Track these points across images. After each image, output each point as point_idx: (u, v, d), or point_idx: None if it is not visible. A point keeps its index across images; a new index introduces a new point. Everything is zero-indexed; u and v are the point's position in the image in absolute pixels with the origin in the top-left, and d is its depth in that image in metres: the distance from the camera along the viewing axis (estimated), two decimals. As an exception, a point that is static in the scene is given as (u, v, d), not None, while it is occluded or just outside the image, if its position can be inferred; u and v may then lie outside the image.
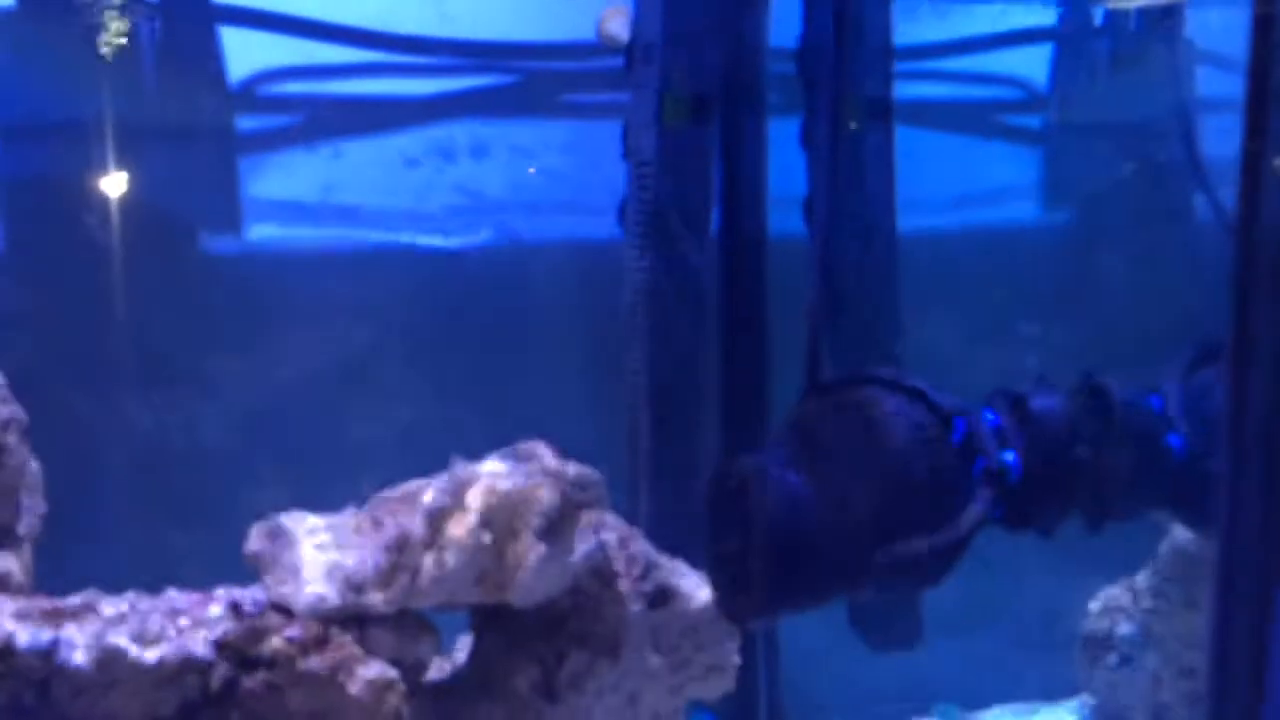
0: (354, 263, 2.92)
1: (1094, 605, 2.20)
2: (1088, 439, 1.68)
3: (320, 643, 1.63)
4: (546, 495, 1.69)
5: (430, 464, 2.88)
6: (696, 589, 1.85)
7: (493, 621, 1.80)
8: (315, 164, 2.91)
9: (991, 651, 2.54)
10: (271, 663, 1.62)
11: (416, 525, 1.67)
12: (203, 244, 2.91)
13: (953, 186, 3.03)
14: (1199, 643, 2.08)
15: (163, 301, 2.81)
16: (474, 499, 1.68)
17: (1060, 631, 2.35)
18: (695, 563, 2.07)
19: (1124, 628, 2.12)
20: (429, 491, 1.69)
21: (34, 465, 1.89)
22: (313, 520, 1.73)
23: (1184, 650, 2.05)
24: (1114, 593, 2.18)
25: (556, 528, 1.70)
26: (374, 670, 1.62)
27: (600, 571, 1.79)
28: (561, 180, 3.01)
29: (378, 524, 1.71)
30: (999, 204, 3.08)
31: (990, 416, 1.68)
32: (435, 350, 2.94)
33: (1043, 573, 2.36)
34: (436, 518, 1.67)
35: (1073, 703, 2.38)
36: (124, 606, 1.65)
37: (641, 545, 1.86)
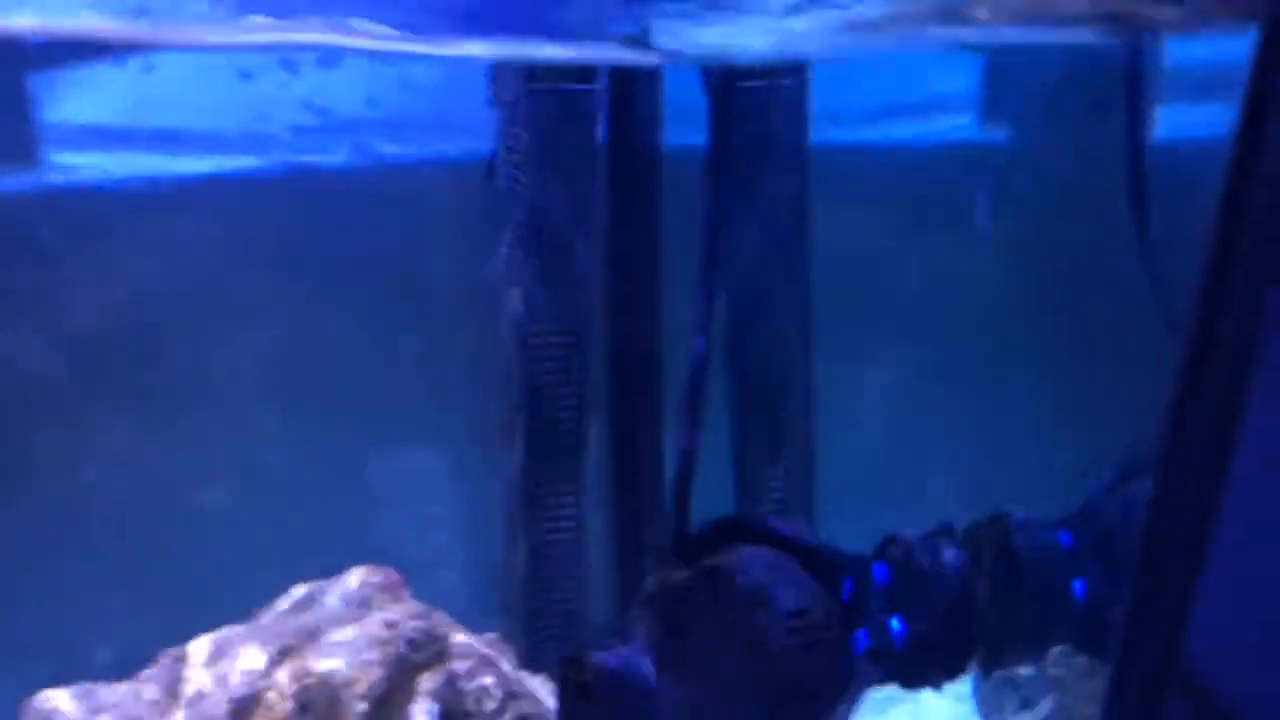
0: (176, 194, 2.53)
1: (995, 644, 2.06)
2: (985, 596, 1.48)
3: None
4: (375, 675, 1.47)
5: (290, 403, 2.63)
6: (558, 715, 1.67)
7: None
8: (122, 80, 2.47)
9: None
10: None
11: (221, 713, 1.45)
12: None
13: (879, 96, 2.67)
14: (1100, 698, 1.98)
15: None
16: (288, 681, 1.46)
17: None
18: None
19: (1027, 670, 2.01)
20: (236, 669, 1.47)
21: None
22: (104, 694, 1.51)
23: (1084, 703, 1.95)
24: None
25: (387, 706, 1.50)
26: None
27: (446, 716, 1.60)
28: (428, 94, 2.60)
29: (175, 699, 1.49)
30: (932, 117, 2.73)
31: (881, 572, 1.47)
32: (281, 295, 2.61)
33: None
34: (244, 706, 1.45)
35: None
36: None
37: (498, 672, 1.66)
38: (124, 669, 2.33)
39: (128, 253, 2.47)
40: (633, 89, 2.10)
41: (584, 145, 2.10)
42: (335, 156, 2.55)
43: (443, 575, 2.66)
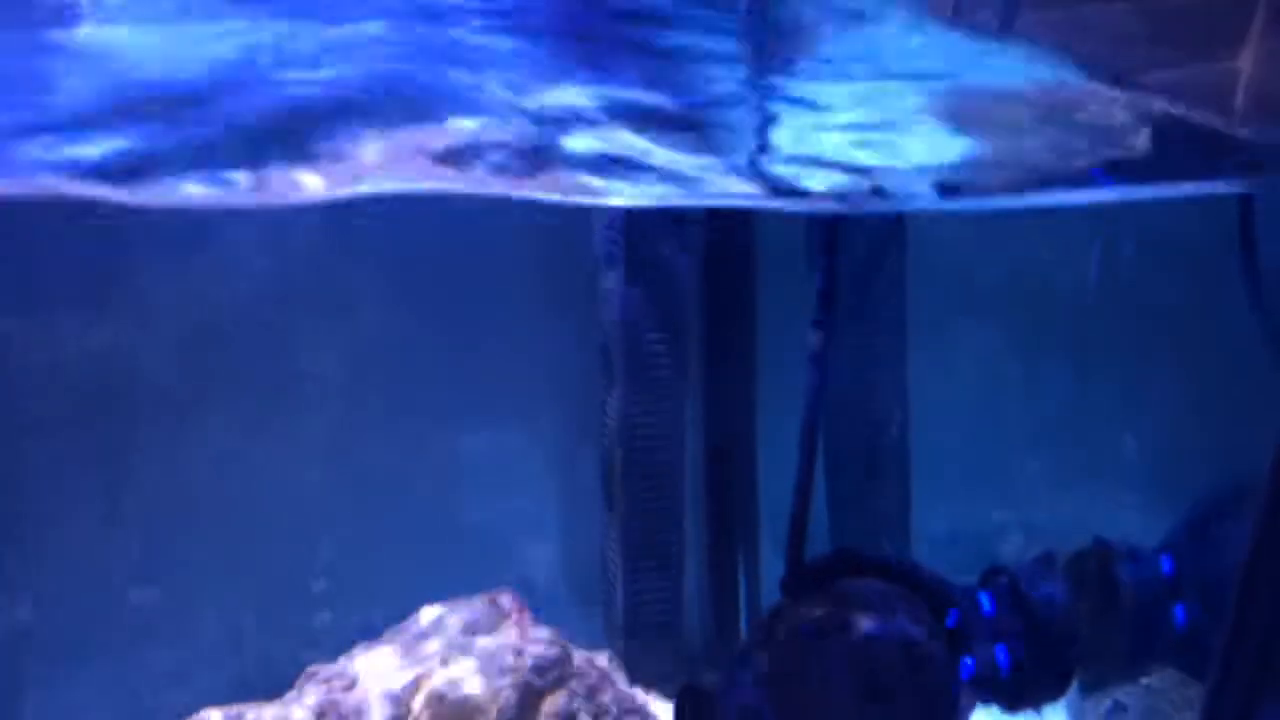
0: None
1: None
2: (1087, 623, 1.54)
3: None
4: (504, 700, 1.57)
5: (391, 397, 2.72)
6: (671, 730, 1.76)
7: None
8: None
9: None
10: None
11: (364, 737, 1.56)
12: None
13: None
14: (1190, 705, 2.03)
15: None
16: (422, 706, 1.56)
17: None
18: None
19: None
20: (376, 695, 1.57)
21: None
22: (254, 715, 1.62)
23: (1174, 710, 2.00)
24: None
25: (515, 728, 1.59)
26: None
27: (567, 735, 1.70)
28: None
29: (320, 717, 1.60)
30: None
31: (986, 602, 1.53)
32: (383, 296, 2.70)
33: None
34: (385, 730, 1.56)
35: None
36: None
37: (613, 692, 1.75)
38: (239, 666, 2.44)
39: (226, 255, 2.57)
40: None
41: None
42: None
43: (541, 566, 2.77)
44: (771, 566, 2.11)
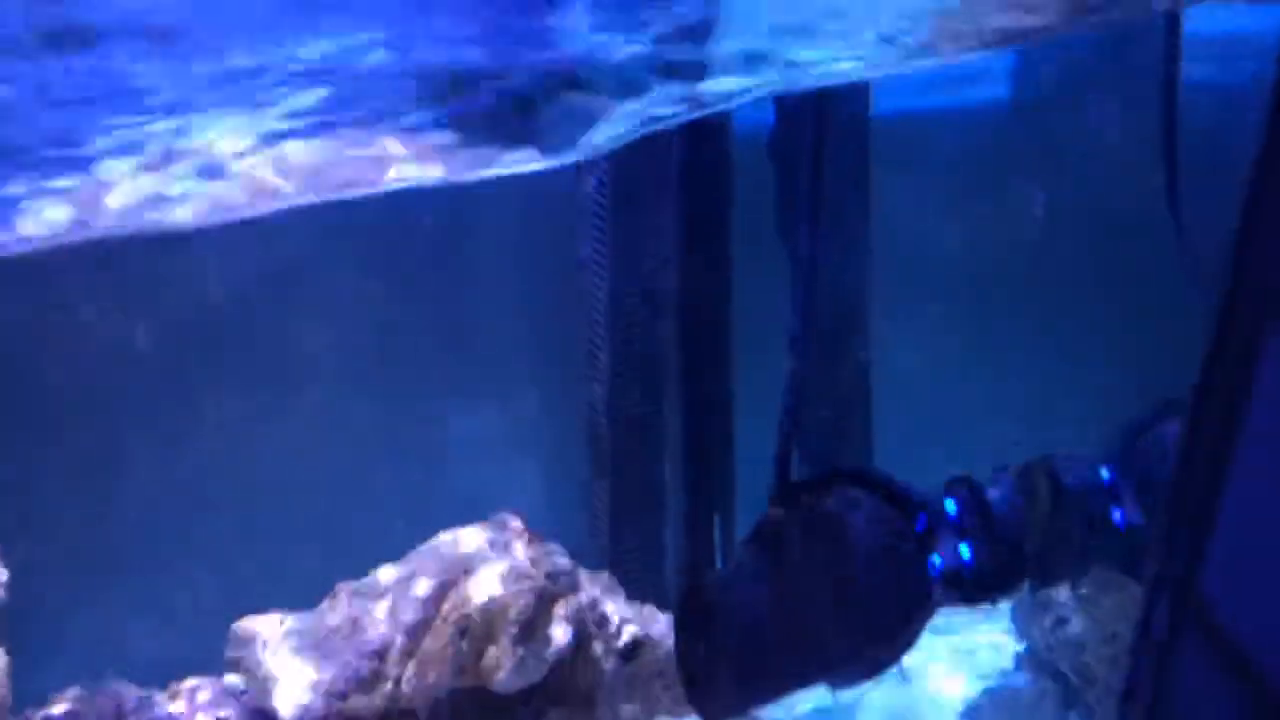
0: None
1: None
2: (1038, 525, 1.75)
3: (312, 754, 1.71)
4: (523, 602, 1.74)
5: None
6: (666, 636, 1.94)
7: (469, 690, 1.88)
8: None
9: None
10: (267, 776, 1.71)
11: (397, 635, 1.72)
12: None
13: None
14: (1125, 615, 2.25)
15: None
16: (451, 610, 1.72)
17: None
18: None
19: (1063, 593, 2.28)
20: (406, 600, 1.73)
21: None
22: (290, 623, 1.77)
23: (1110, 620, 2.22)
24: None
25: (532, 628, 1.76)
26: (366, 773, 1.72)
27: (575, 639, 1.86)
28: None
29: (356, 625, 1.75)
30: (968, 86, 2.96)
31: (951, 506, 1.73)
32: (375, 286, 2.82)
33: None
34: (416, 629, 1.72)
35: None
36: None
37: (614, 603, 1.92)
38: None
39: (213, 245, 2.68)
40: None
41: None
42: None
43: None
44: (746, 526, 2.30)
